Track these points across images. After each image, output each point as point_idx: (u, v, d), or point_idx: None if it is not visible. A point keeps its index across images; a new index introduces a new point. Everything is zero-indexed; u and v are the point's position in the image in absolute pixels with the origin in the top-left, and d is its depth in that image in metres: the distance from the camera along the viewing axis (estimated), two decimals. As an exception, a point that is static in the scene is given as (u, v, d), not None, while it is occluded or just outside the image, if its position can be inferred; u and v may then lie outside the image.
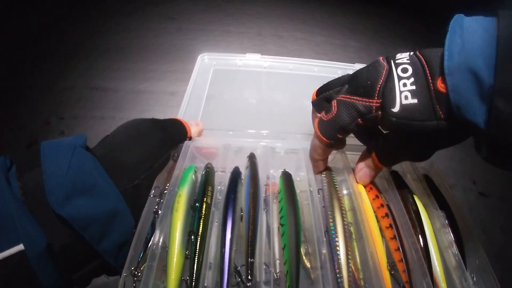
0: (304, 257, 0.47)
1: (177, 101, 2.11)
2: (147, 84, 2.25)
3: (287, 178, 0.53)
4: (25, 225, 0.37)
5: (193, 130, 0.60)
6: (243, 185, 0.52)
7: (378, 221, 0.50)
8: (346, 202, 0.51)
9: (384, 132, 0.49)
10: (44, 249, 0.37)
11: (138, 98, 2.15)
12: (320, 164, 0.55)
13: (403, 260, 0.46)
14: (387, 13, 3.44)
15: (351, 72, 0.50)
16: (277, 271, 0.46)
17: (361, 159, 0.54)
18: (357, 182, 0.54)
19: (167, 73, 2.34)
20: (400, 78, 0.41)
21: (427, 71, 0.40)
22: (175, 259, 0.43)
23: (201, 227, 0.45)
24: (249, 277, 0.43)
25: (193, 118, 0.68)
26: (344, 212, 0.49)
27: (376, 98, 0.43)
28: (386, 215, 0.49)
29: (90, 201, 0.41)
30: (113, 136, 0.51)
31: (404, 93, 0.40)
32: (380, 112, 0.43)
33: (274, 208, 0.49)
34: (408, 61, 0.43)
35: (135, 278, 0.43)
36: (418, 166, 0.60)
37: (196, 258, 0.44)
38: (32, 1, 2.97)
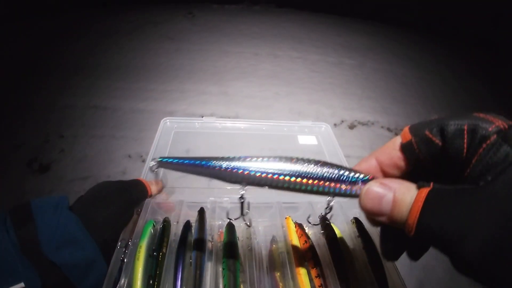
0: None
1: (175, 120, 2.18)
2: (146, 103, 2.34)
3: (230, 228, 0.61)
4: (24, 269, 0.47)
5: (153, 189, 0.69)
6: (193, 236, 0.59)
7: (306, 263, 0.56)
8: (279, 246, 0.58)
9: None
10: None
11: (137, 117, 2.23)
12: (368, 160, 0.40)
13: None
14: (379, 30, 3.51)
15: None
16: (219, 308, 0.54)
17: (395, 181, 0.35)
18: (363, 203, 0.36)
19: (166, 92, 2.44)
20: None
21: None
22: (136, 299, 0.53)
23: (158, 272, 0.54)
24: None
25: (155, 177, 0.76)
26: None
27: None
28: (313, 257, 0.56)
29: (74, 251, 0.51)
30: (87, 196, 0.60)
31: None
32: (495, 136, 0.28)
33: (220, 254, 0.57)
34: None
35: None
36: (348, 210, 0.66)
37: (153, 298, 0.52)
38: (32, 21, 3.09)
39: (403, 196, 0.31)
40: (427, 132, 0.34)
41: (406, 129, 0.36)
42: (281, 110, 2.30)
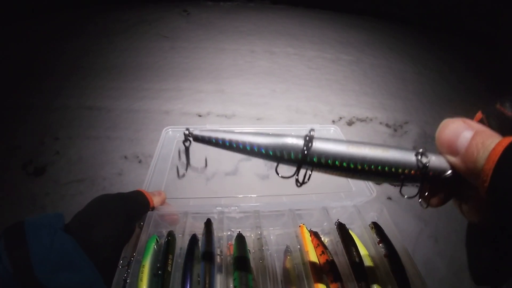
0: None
1: (171, 120, 2.15)
2: (141, 103, 2.29)
3: (240, 240, 0.58)
4: None
5: (155, 200, 0.65)
6: (200, 250, 0.56)
7: (324, 275, 0.54)
8: (294, 257, 0.55)
9: None
10: None
11: (132, 117, 2.19)
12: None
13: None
14: (376, 25, 3.49)
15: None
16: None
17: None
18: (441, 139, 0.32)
19: (161, 91, 2.39)
20: None
21: None
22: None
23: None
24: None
25: (158, 187, 0.71)
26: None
27: None
28: (331, 269, 0.53)
29: (70, 274, 0.47)
30: (84, 213, 0.56)
31: None
32: None
33: (230, 268, 0.54)
34: None
35: None
36: (366, 214, 0.63)
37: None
38: (25, 22, 3.03)
39: (484, 138, 0.28)
40: (498, 106, 0.33)
41: (479, 112, 0.35)
42: (278, 107, 2.27)
